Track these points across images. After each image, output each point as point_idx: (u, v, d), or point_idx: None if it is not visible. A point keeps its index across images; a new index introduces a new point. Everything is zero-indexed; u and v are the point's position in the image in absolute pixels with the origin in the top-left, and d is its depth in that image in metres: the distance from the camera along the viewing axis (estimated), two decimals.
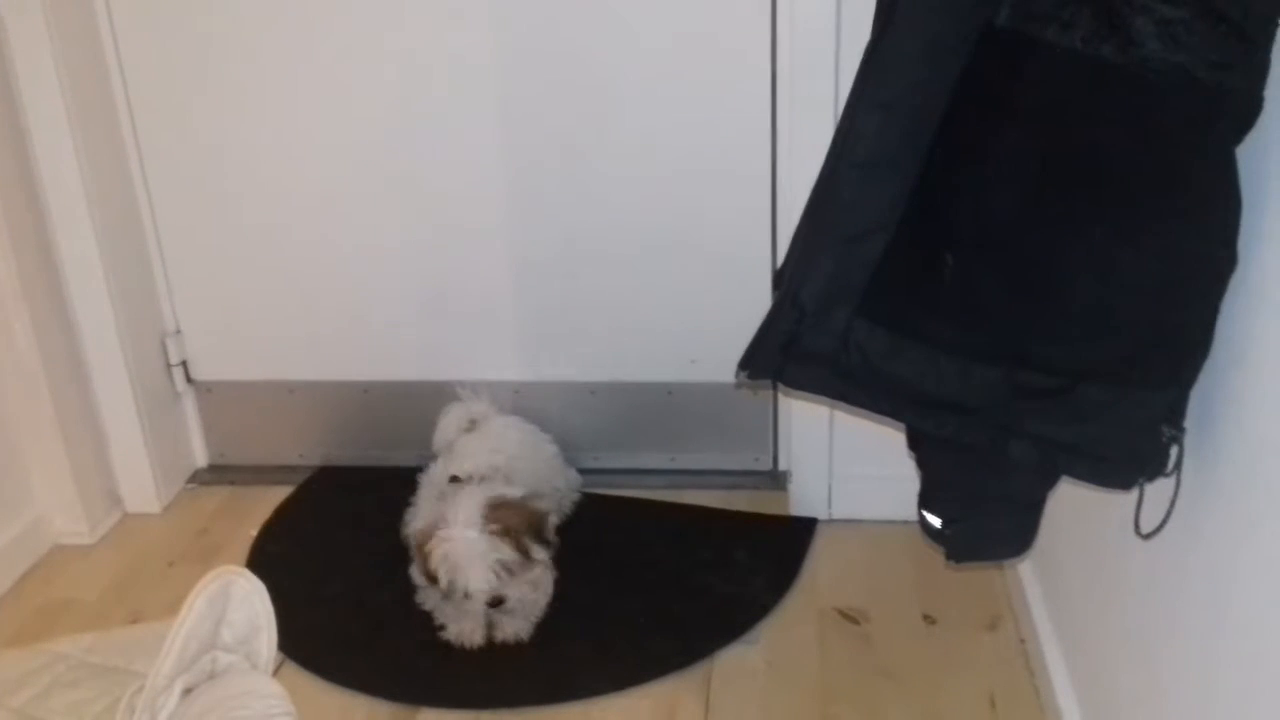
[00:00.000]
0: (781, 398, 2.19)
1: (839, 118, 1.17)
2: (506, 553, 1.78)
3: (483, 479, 1.91)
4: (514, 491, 1.89)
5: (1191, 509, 1.09)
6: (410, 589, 1.92)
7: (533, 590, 1.84)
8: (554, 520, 2.01)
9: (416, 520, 1.94)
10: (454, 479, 1.94)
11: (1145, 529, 1.12)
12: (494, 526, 1.78)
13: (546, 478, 2.09)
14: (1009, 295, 1.03)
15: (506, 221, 2.15)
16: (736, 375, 1.17)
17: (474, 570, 1.76)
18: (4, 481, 2.06)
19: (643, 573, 2.00)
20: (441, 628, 1.84)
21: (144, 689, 1.09)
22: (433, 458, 2.11)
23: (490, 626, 1.82)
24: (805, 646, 1.82)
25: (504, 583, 1.78)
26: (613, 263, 2.16)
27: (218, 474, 2.39)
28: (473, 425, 2.15)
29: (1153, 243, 0.98)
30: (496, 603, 1.79)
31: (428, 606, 1.87)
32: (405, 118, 2.10)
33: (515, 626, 1.83)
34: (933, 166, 1.03)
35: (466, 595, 1.77)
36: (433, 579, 1.80)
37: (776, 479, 2.26)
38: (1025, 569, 1.86)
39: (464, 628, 1.82)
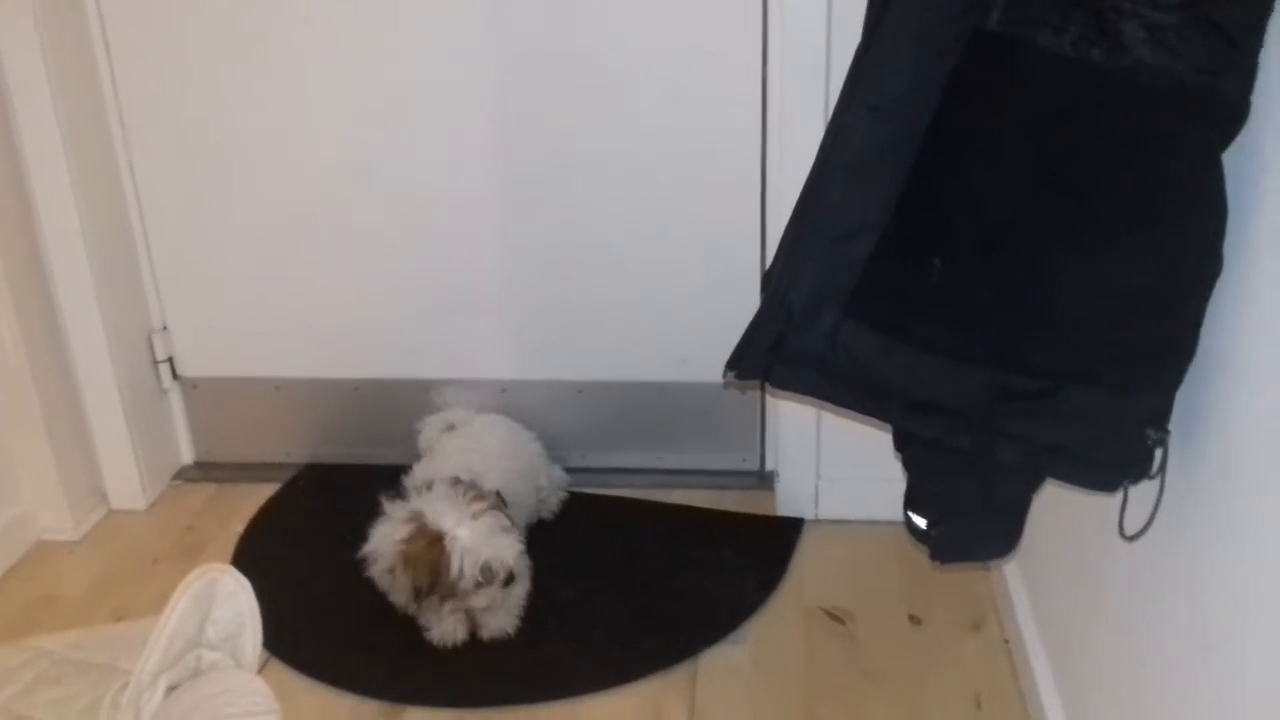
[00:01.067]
0: (769, 398, 2.20)
1: (829, 120, 1.18)
2: (506, 522, 1.80)
3: (456, 481, 1.90)
4: (470, 478, 1.90)
5: (1176, 511, 1.10)
6: None
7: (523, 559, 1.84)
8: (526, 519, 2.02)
9: (374, 542, 1.88)
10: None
11: (1129, 531, 1.12)
12: (478, 506, 1.79)
13: (529, 475, 2.09)
14: (996, 297, 1.04)
15: (496, 220, 2.15)
16: (725, 375, 1.17)
17: (502, 546, 1.77)
18: None
19: (629, 571, 2.00)
20: (425, 629, 1.84)
21: (128, 686, 1.08)
22: (418, 457, 2.11)
23: (474, 625, 1.82)
24: (791, 646, 1.82)
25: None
26: (602, 262, 2.16)
27: (204, 471, 2.39)
28: (453, 426, 2.15)
29: (1139, 246, 0.99)
30: (510, 579, 1.78)
31: (411, 611, 1.87)
32: (396, 116, 2.10)
33: (500, 622, 1.83)
34: (921, 169, 1.04)
35: (490, 578, 1.77)
36: (429, 590, 1.78)
37: (764, 479, 2.27)
38: (1010, 570, 1.86)
39: (446, 629, 1.82)
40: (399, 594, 1.84)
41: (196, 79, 2.11)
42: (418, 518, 1.80)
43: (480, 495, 1.84)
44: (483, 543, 1.76)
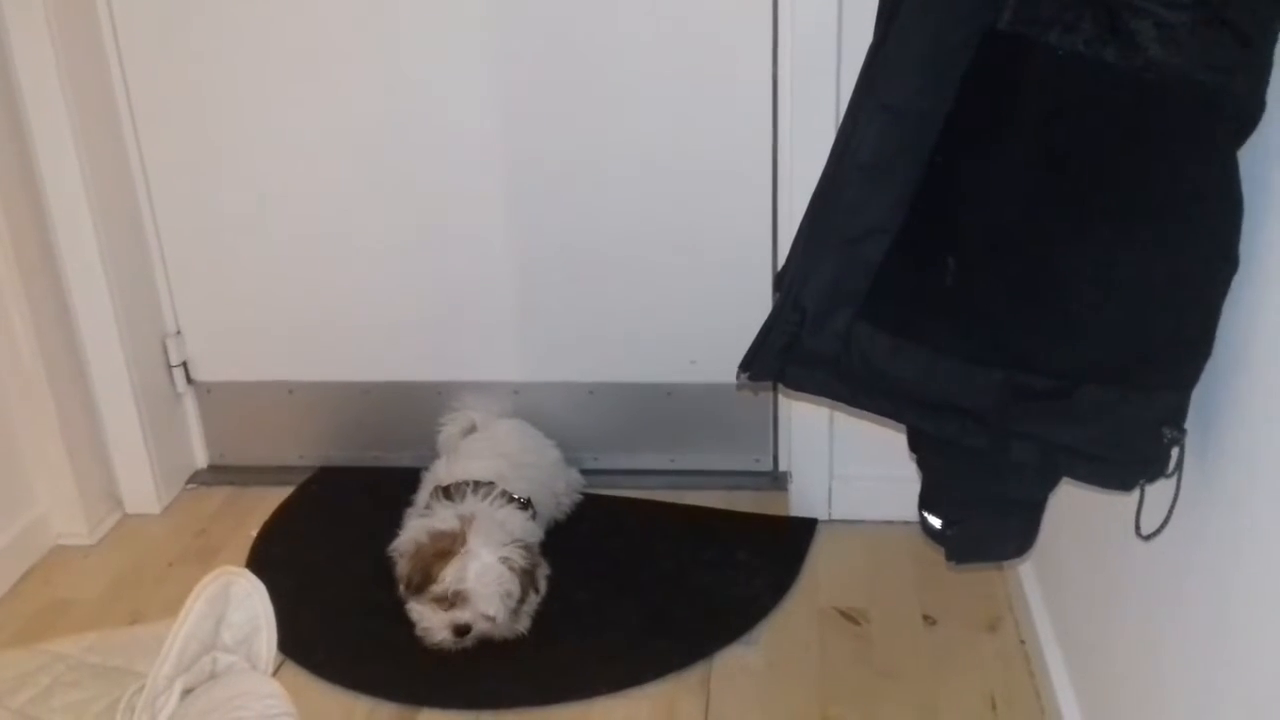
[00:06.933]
0: (782, 398, 2.19)
1: (841, 119, 1.17)
2: (514, 587, 1.80)
3: (487, 484, 1.91)
4: (529, 538, 1.90)
5: (1192, 510, 1.09)
6: None
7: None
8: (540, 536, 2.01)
9: (411, 529, 1.91)
10: (445, 490, 1.93)
11: (1146, 530, 1.12)
12: (518, 555, 1.81)
13: (550, 482, 2.09)
14: (1010, 297, 1.03)
15: (507, 222, 2.15)
16: (738, 377, 1.17)
17: (495, 598, 1.77)
18: (4, 482, 2.06)
19: (643, 573, 2.00)
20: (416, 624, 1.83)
21: (144, 689, 1.09)
22: (434, 457, 2.11)
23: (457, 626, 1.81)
24: (805, 647, 1.82)
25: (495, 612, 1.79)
26: (613, 263, 2.16)
27: (218, 474, 2.39)
28: (474, 428, 2.15)
29: (1153, 245, 0.98)
30: (463, 631, 1.78)
31: (414, 617, 1.86)
32: (405, 119, 2.10)
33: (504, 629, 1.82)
34: (935, 169, 1.03)
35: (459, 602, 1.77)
36: (411, 588, 1.80)
37: (777, 480, 2.26)
38: (1026, 570, 1.86)
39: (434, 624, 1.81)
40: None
41: (209, 88, 2.11)
42: (465, 521, 1.82)
43: (528, 547, 1.86)
44: (484, 586, 1.76)
